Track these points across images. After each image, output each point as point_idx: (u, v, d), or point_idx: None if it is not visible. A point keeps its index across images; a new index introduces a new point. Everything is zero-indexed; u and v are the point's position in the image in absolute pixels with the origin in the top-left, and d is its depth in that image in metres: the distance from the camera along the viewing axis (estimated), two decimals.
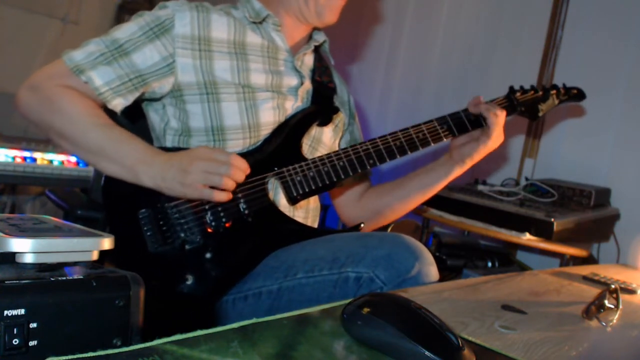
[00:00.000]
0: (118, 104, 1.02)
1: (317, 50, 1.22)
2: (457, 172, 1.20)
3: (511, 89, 1.24)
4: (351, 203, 1.33)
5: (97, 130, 0.97)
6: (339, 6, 1.14)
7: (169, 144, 1.09)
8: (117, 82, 1.00)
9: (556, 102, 1.27)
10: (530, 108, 1.24)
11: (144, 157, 0.96)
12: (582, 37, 1.69)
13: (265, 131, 1.08)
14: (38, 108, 0.99)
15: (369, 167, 1.10)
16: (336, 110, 1.18)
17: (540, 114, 1.25)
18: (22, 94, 1.00)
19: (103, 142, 0.97)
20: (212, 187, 0.95)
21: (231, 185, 0.95)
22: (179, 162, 0.94)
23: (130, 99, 1.03)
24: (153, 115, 1.12)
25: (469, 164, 1.18)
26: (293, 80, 1.13)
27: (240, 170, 0.96)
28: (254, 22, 1.12)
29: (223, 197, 0.96)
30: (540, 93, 1.25)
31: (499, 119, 1.13)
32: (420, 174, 1.24)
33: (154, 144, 1.14)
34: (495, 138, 1.14)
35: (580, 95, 1.31)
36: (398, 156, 1.12)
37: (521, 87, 1.24)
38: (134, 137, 0.99)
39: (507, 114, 1.20)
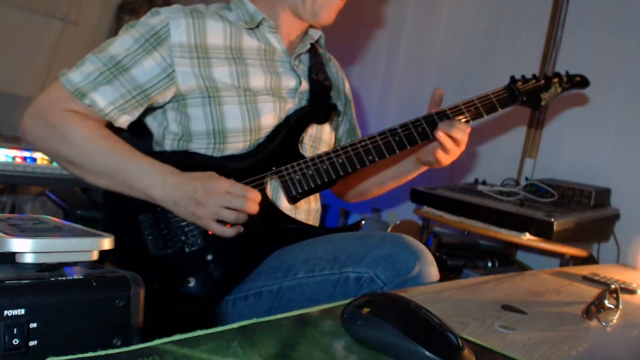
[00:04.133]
0: (124, 121, 1.02)
1: (312, 46, 1.22)
2: (425, 169, 1.27)
3: (512, 78, 1.23)
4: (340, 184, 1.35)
5: (105, 154, 0.96)
6: (335, 6, 1.13)
7: (168, 148, 1.09)
8: (121, 100, 0.99)
9: (559, 90, 1.26)
10: (532, 97, 1.22)
11: (156, 179, 0.95)
12: (582, 37, 1.69)
13: (265, 133, 1.08)
14: (43, 136, 0.98)
15: (368, 164, 1.10)
16: (333, 107, 1.18)
17: (543, 103, 1.23)
18: (26, 123, 0.99)
19: (112, 165, 0.96)
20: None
21: (244, 219, 0.96)
22: (193, 190, 0.94)
23: (135, 115, 1.03)
24: (151, 121, 1.11)
25: (436, 166, 1.20)
26: (291, 82, 1.13)
27: (256, 204, 0.96)
28: (250, 28, 1.11)
29: (232, 233, 0.97)
30: (543, 82, 1.24)
31: (448, 139, 1.12)
32: (394, 167, 1.32)
33: (153, 147, 1.13)
34: (454, 152, 1.14)
35: (583, 82, 1.29)
36: (397, 151, 1.11)
37: (522, 77, 1.23)
38: (144, 157, 0.98)
39: (508, 105, 1.20)
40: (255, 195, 0.96)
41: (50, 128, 0.97)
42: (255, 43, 1.10)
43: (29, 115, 0.99)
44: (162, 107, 1.08)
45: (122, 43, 1.01)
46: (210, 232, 1.00)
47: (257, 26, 1.11)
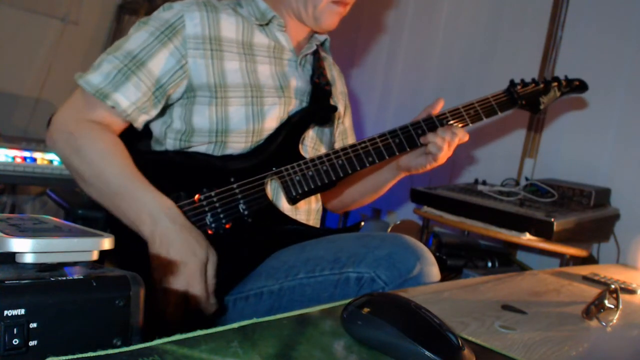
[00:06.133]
0: (142, 121, 1.02)
1: (317, 49, 1.22)
2: (402, 176, 1.29)
3: (511, 82, 1.24)
4: (328, 193, 1.36)
5: (112, 174, 0.93)
6: (337, 13, 1.13)
7: (169, 147, 1.08)
8: (143, 99, 0.99)
9: (558, 94, 1.27)
10: (531, 101, 1.23)
11: (152, 214, 0.90)
12: (582, 37, 1.69)
13: (266, 134, 1.08)
14: (63, 146, 0.98)
15: (368, 165, 1.10)
16: (334, 109, 1.18)
17: (542, 106, 1.24)
18: (52, 134, 0.99)
19: (115, 187, 0.93)
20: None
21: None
22: (197, 243, 0.89)
23: (153, 114, 1.03)
24: (154, 119, 1.11)
25: (414, 173, 1.23)
26: (296, 82, 1.13)
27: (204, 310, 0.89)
28: (260, 25, 1.11)
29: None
30: (542, 86, 1.25)
31: (440, 147, 1.13)
32: (373, 175, 1.33)
33: (153, 146, 1.13)
34: (441, 160, 1.16)
35: (582, 86, 1.30)
36: (397, 153, 1.12)
37: (522, 81, 1.24)
38: (149, 188, 0.93)
39: (508, 108, 1.21)
40: (210, 307, 0.90)
41: (69, 139, 0.96)
42: (265, 40, 1.11)
43: (54, 127, 0.99)
44: (169, 105, 1.08)
45: (138, 38, 1.01)
46: (210, 232, 1.00)
47: (267, 24, 1.12)
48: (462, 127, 1.17)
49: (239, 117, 1.05)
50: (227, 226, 0.99)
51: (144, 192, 0.93)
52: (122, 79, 0.98)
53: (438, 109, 1.18)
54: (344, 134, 1.36)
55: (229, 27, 1.06)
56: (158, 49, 1.00)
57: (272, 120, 1.08)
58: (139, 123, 1.02)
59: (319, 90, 1.17)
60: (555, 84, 1.26)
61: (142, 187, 0.93)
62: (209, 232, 1.00)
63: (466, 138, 1.15)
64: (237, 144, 1.06)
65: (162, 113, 1.10)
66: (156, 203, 0.91)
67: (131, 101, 0.98)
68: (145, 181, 0.95)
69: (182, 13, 1.03)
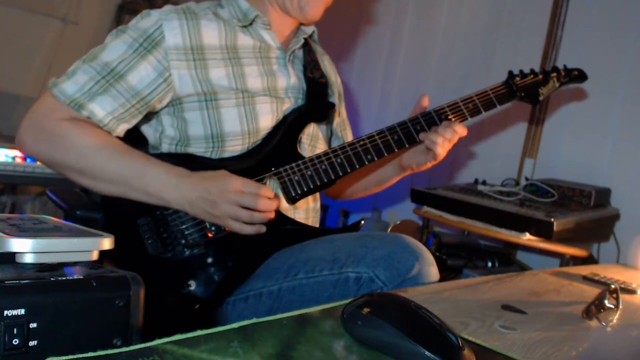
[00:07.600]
0: (122, 129, 1.01)
1: (306, 42, 1.21)
2: (406, 174, 1.30)
3: (510, 74, 1.23)
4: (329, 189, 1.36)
5: (116, 161, 0.95)
6: (322, 3, 1.12)
7: (165, 151, 1.08)
8: (120, 110, 0.98)
9: (557, 84, 1.26)
10: (530, 93, 1.23)
11: (169, 182, 0.94)
12: (582, 37, 1.69)
13: (263, 135, 1.08)
14: (48, 148, 0.96)
15: (367, 163, 1.10)
16: (331, 106, 1.18)
17: (541, 97, 1.24)
18: (25, 138, 0.97)
19: (124, 172, 0.95)
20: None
21: (260, 218, 0.95)
22: (207, 191, 0.93)
23: (133, 123, 1.02)
24: (145, 127, 1.10)
25: (416, 170, 1.24)
26: (287, 80, 1.12)
27: (268, 200, 0.95)
28: (244, 26, 1.10)
29: (251, 230, 0.96)
30: (541, 77, 1.24)
31: (440, 145, 1.12)
32: (375, 172, 1.34)
33: (149, 151, 1.12)
34: (442, 157, 1.15)
35: (581, 76, 1.29)
36: (396, 150, 1.11)
37: (520, 72, 1.23)
38: (155, 162, 0.97)
39: (507, 100, 1.20)
40: (267, 192, 0.95)
41: (54, 139, 0.94)
42: (250, 41, 1.09)
43: (26, 130, 0.97)
44: (156, 112, 1.07)
45: (115, 49, 0.99)
46: (210, 235, 1.00)
47: (251, 24, 1.10)
48: (461, 121, 1.15)
49: (232, 119, 1.04)
50: (227, 229, 0.99)
51: (154, 165, 0.96)
52: (98, 90, 0.96)
53: (426, 103, 1.17)
54: (342, 125, 1.36)
55: (211, 33, 1.04)
56: (137, 61, 0.98)
57: (266, 120, 1.07)
58: (119, 132, 1.00)
59: (314, 85, 1.16)
60: (554, 74, 1.26)
61: (152, 162, 0.97)
62: (209, 234, 1.00)
63: (465, 133, 1.14)
64: (234, 147, 1.05)
65: (149, 121, 1.09)
66: (171, 171, 0.96)
67: (107, 111, 0.96)
68: (150, 157, 0.98)
69: (161, 22, 1.00)
